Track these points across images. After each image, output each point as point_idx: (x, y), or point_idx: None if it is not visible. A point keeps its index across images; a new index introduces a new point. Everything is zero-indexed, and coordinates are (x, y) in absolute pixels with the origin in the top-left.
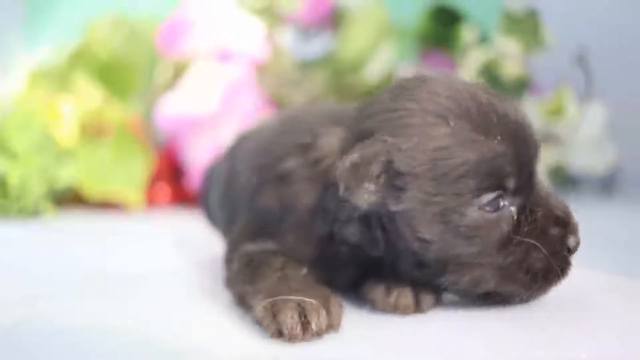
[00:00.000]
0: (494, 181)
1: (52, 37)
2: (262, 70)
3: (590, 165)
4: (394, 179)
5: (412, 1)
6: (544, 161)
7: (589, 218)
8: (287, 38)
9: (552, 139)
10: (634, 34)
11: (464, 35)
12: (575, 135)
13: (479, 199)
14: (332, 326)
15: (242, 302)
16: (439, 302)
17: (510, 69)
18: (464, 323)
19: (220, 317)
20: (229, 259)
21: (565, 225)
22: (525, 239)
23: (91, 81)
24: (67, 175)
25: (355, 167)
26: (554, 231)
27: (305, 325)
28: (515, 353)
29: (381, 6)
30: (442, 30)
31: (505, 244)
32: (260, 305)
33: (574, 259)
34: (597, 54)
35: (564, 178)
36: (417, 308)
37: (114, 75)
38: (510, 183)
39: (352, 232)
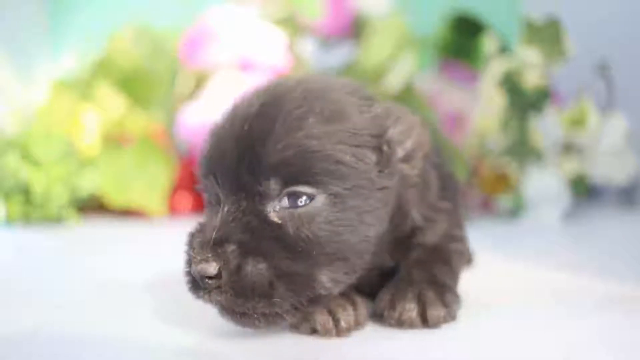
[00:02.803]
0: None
1: (75, 47)
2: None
3: (611, 176)
4: None
5: (432, 11)
6: (565, 171)
7: (610, 228)
8: (308, 48)
9: (573, 149)
10: None
11: (485, 45)
12: (596, 146)
13: None
14: (359, 322)
15: None
16: (450, 317)
17: (532, 79)
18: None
19: None
20: None
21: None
22: None
23: (114, 91)
24: (90, 183)
25: None
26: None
27: (336, 322)
28: None
29: (402, 16)
30: (462, 40)
31: None
32: None
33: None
34: (619, 64)
35: (585, 188)
36: (425, 323)
37: (136, 85)
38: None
39: None
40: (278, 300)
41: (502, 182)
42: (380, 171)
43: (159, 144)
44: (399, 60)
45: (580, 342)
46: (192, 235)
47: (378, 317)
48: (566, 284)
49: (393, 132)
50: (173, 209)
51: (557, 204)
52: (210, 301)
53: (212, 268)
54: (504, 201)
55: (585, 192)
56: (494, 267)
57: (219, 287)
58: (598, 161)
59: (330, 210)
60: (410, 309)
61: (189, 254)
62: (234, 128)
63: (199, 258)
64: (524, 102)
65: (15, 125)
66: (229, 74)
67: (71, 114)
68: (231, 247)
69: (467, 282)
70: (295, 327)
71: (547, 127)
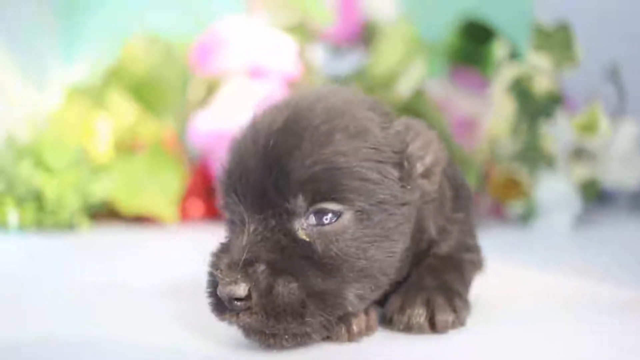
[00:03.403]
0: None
1: (88, 54)
2: (294, 87)
3: (622, 181)
4: None
5: (442, 17)
6: (576, 176)
7: (621, 233)
8: (318, 55)
9: (584, 154)
10: None
11: (495, 51)
12: (607, 151)
13: None
14: (370, 328)
15: None
16: (459, 323)
17: (542, 85)
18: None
19: None
20: None
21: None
22: None
23: (126, 98)
24: (102, 189)
25: None
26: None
27: (348, 327)
28: None
29: (411, 22)
30: (472, 46)
31: None
32: None
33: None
34: (629, 69)
35: (596, 193)
36: (433, 329)
37: (148, 92)
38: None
39: None
40: (309, 319)
41: (513, 187)
42: (402, 187)
43: (170, 150)
44: (409, 67)
45: (591, 349)
46: (217, 256)
47: (387, 321)
48: (577, 290)
49: (413, 148)
50: (184, 216)
51: (568, 209)
52: (238, 323)
53: (241, 289)
54: (514, 207)
55: (596, 197)
56: (505, 273)
57: (248, 308)
58: (609, 166)
59: (357, 226)
60: (419, 314)
61: (214, 276)
62: (257, 144)
63: (227, 280)
64: (534, 107)
65: (27, 132)
66: (240, 81)
67: (83, 121)
68: (261, 267)
69: (477, 287)
70: None
71: (557, 132)
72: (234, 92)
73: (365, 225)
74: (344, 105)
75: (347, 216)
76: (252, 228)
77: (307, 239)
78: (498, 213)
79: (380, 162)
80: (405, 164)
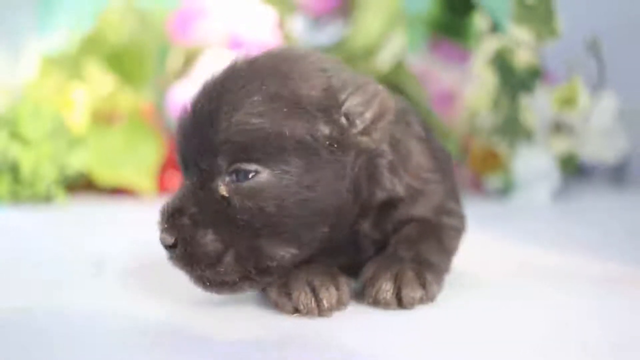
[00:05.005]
0: None
1: (64, 23)
2: None
3: (601, 154)
4: None
5: None
6: (555, 150)
7: (599, 207)
8: (298, 25)
9: (563, 128)
10: None
11: (476, 23)
12: (586, 124)
13: None
14: (341, 302)
15: None
16: (428, 298)
17: (523, 58)
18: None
19: (227, 302)
20: None
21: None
22: None
23: (103, 68)
24: (79, 161)
25: None
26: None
27: (318, 302)
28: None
29: None
30: (453, 18)
31: None
32: (274, 288)
33: None
34: (610, 42)
35: (575, 167)
36: (400, 304)
37: (125, 62)
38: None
39: None
40: (222, 269)
41: (492, 160)
42: (330, 145)
43: (148, 121)
44: (389, 38)
45: (568, 323)
46: (162, 207)
47: (361, 293)
48: (555, 264)
49: (350, 104)
50: (162, 188)
51: (547, 183)
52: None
53: (169, 238)
54: (493, 180)
55: (575, 170)
56: (483, 246)
57: (176, 255)
58: (588, 140)
59: (275, 184)
60: (386, 290)
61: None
62: (193, 108)
63: (160, 228)
64: (514, 80)
65: (3, 103)
66: (218, 52)
67: (60, 91)
68: (185, 219)
69: (456, 261)
70: (277, 306)
71: (537, 105)
72: (213, 63)
73: (285, 184)
74: (273, 66)
75: (264, 174)
76: (185, 184)
77: (226, 195)
78: (477, 186)
79: (304, 121)
80: (343, 120)
